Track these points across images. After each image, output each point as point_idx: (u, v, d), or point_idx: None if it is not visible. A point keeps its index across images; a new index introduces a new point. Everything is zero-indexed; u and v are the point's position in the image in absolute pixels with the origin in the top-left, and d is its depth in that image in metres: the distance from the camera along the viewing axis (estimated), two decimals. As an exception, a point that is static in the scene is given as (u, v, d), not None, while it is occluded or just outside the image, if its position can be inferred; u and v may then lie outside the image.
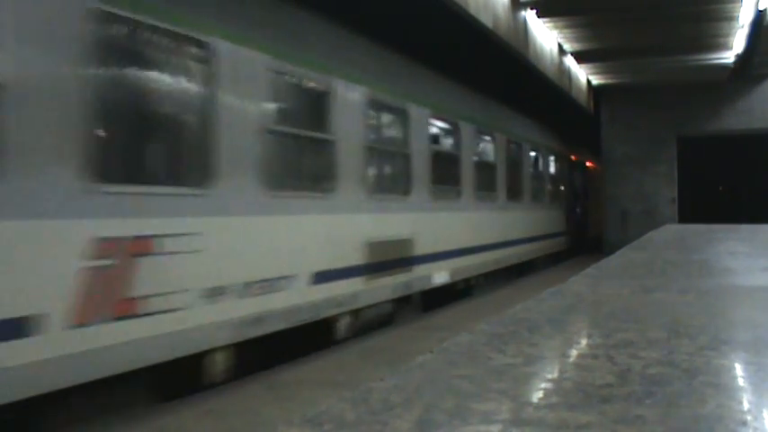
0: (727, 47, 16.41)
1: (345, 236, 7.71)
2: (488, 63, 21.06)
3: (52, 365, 4.29)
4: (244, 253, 6.07)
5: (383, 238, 8.49)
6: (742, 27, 14.68)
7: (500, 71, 20.86)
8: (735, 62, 17.74)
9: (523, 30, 13.61)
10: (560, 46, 16.63)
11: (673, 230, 12.35)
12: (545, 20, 14.68)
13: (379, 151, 8.67)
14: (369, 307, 8.26)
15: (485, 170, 12.30)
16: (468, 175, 11.38)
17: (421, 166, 9.66)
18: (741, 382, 1.94)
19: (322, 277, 7.20)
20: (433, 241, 9.85)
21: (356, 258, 7.87)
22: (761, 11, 13.34)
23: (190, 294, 5.39)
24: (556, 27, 15.32)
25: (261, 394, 5.72)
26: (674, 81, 19.88)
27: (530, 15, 13.94)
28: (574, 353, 2.36)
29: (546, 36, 15.39)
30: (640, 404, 1.63)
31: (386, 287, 8.54)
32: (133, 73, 5.28)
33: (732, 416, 1.55)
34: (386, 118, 9.06)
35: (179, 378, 5.78)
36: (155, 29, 5.25)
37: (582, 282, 4.28)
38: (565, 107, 21.19)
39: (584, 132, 24.63)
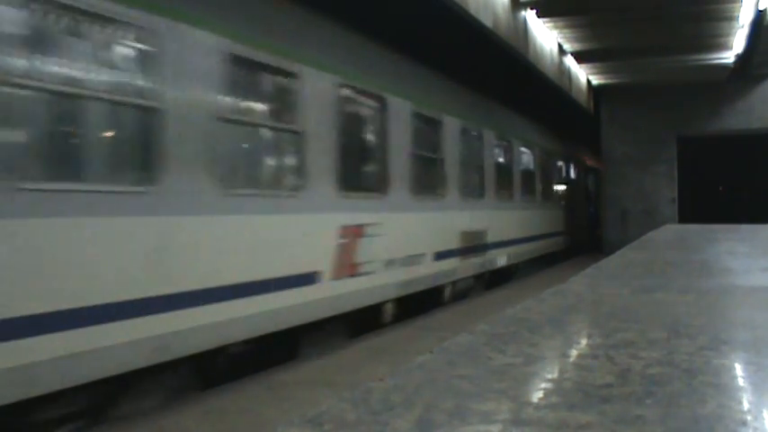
0: (727, 47, 16.41)
1: (450, 227, 10.77)
2: (488, 63, 21.06)
3: (326, 301, 7.18)
4: (402, 237, 8.97)
5: (470, 229, 11.55)
6: (742, 27, 14.67)
7: (500, 71, 20.86)
8: (735, 62, 17.74)
9: (523, 30, 13.61)
10: (560, 46, 16.63)
11: (673, 230, 12.35)
12: (545, 20, 14.68)
13: (465, 165, 11.36)
14: (460, 279, 11.26)
15: (528, 178, 15.59)
16: (517, 182, 14.55)
17: (490, 176, 12.78)
18: (741, 382, 1.94)
19: (438, 256, 10.17)
20: (497, 233, 12.93)
21: (455, 243, 10.86)
22: (761, 11, 13.33)
23: (378, 263, 8.28)
24: (556, 27, 15.31)
25: (261, 394, 5.72)
26: (674, 81, 19.87)
27: (530, 15, 13.93)
28: (574, 353, 2.36)
29: (546, 36, 15.39)
30: (640, 404, 1.63)
31: (472, 265, 11.59)
32: (347, 124, 7.94)
33: (732, 416, 1.55)
34: (471, 141, 11.92)
35: (365, 321, 8.57)
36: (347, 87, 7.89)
37: (582, 282, 4.28)
38: (565, 107, 21.20)
39: (584, 132, 24.72)
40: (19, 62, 4.31)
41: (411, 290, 9.21)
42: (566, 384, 1.87)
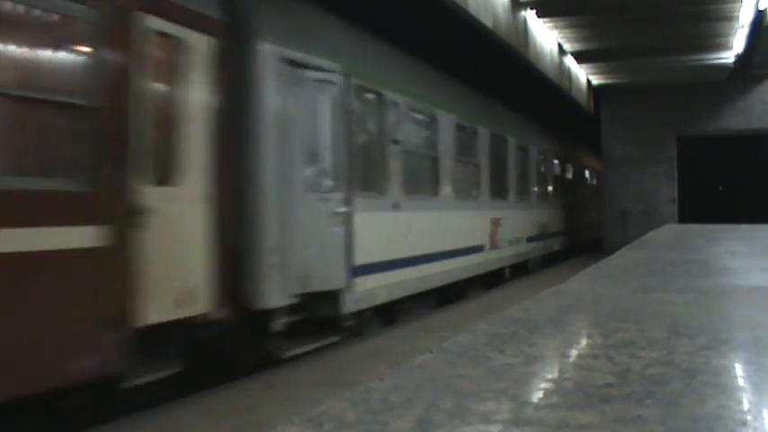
0: (727, 47, 16.41)
1: (532, 220, 16.01)
2: (488, 63, 21.06)
3: (489, 262, 12.61)
4: (513, 226, 14.05)
5: (540, 222, 16.78)
6: (742, 27, 14.67)
7: (500, 71, 20.85)
8: (735, 62, 17.73)
9: (523, 30, 13.61)
10: (560, 46, 16.63)
11: (673, 230, 12.36)
12: (545, 20, 14.68)
13: (523, 175, 15.40)
14: (533, 258, 16.24)
15: (562, 182, 19.84)
16: (553, 186, 18.62)
17: (540, 181, 17.20)
18: (741, 382, 1.94)
19: (528, 240, 15.52)
20: (552, 226, 18.00)
21: (534, 232, 16.04)
22: (761, 11, 13.33)
23: (505, 242, 13.41)
24: (556, 27, 15.31)
25: (261, 394, 5.72)
26: (674, 81, 19.87)
27: (530, 15, 13.93)
28: (574, 353, 2.36)
29: (546, 36, 15.39)
30: (640, 404, 1.63)
31: (539, 248, 16.67)
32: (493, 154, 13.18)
33: (732, 416, 1.55)
34: (526, 158, 15.85)
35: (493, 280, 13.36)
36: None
37: (582, 282, 4.29)
38: (565, 107, 21.19)
39: (584, 133, 24.76)
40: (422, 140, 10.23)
41: (517, 261, 14.67)
42: (566, 384, 1.87)
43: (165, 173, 5.34)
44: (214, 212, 5.70)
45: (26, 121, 4.57)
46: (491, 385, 1.82)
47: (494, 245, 12.76)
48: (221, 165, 5.82)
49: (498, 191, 13.30)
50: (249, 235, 6.09)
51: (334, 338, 7.05)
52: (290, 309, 6.42)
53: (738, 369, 2.08)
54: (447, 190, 10.63)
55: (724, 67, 18.25)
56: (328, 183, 7.03)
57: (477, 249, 11.89)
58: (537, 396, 1.77)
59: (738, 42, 15.96)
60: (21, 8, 4.41)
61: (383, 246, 8.34)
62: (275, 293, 6.19)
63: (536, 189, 16.42)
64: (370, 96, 8.38)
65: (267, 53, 6.34)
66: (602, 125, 21.46)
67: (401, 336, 8.27)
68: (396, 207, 8.76)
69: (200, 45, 5.67)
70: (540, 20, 14.55)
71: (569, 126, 23.06)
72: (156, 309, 5.01)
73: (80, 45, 4.81)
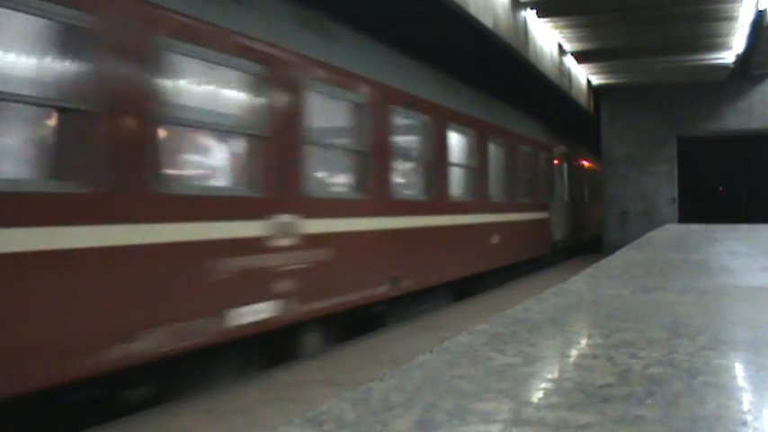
0: (727, 47, 16.41)
1: (569, 218, 19.50)
2: (488, 63, 21.06)
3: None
4: (557, 224, 17.84)
5: (579, 218, 21.21)
6: (742, 27, 14.67)
7: (500, 71, 20.85)
8: (735, 62, 17.73)
9: (523, 30, 13.61)
10: (560, 46, 16.63)
11: (673, 230, 12.36)
12: (545, 20, 14.68)
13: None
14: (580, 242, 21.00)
15: (583, 184, 22.84)
16: (574, 188, 21.18)
17: (572, 185, 20.71)
18: (741, 382, 1.94)
19: (563, 233, 18.79)
20: (583, 222, 22.00)
21: (568, 225, 19.36)
22: (761, 11, 13.34)
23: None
24: (556, 27, 15.31)
25: (261, 394, 5.73)
26: (674, 81, 19.87)
27: (530, 15, 13.93)
28: (574, 353, 2.36)
29: (546, 36, 15.39)
30: (640, 404, 1.63)
31: (574, 238, 20.27)
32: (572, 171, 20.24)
33: (732, 416, 1.55)
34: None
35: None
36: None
37: (582, 282, 4.29)
38: (565, 107, 21.19)
39: (585, 133, 24.83)
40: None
41: (567, 245, 19.19)
42: (566, 384, 1.87)
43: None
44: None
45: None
46: (491, 385, 1.82)
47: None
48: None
49: (573, 193, 20.29)
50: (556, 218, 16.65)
51: None
52: None
53: (739, 369, 2.08)
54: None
55: (724, 67, 18.25)
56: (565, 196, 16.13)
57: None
58: (537, 396, 1.77)
59: (738, 42, 15.95)
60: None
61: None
62: None
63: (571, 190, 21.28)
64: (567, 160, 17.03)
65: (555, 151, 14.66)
66: (602, 125, 21.46)
67: (401, 336, 8.27)
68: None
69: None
70: (540, 20, 14.54)
71: (569, 125, 23.15)
72: None
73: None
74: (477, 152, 11.60)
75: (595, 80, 20.65)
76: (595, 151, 23.49)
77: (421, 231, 9.37)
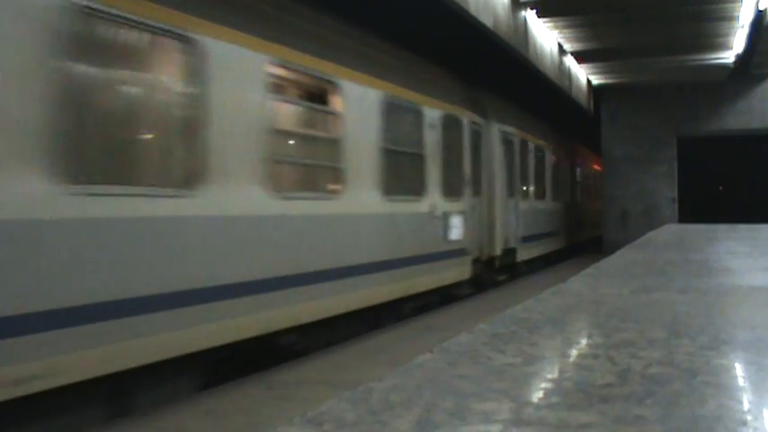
0: (727, 47, 16.41)
1: (575, 213, 21.75)
2: (488, 63, 21.07)
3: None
4: (577, 214, 22.67)
5: (578, 214, 22.70)
6: (742, 27, 14.67)
7: (500, 71, 20.86)
8: (735, 62, 17.73)
9: (523, 30, 13.61)
10: (560, 46, 16.63)
11: (673, 230, 12.36)
12: (545, 20, 14.68)
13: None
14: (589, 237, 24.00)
15: (587, 185, 24.94)
16: (579, 188, 23.28)
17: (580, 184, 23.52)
18: (741, 382, 1.94)
19: (573, 228, 21.60)
20: (587, 219, 23.96)
21: (573, 221, 21.56)
22: (761, 11, 13.33)
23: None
24: (556, 27, 15.31)
25: (261, 394, 5.72)
26: (674, 81, 19.87)
27: (530, 15, 13.93)
28: (574, 353, 2.36)
29: (546, 36, 15.39)
30: (640, 404, 1.63)
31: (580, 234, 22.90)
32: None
33: (732, 416, 1.55)
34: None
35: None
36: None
37: (582, 282, 4.28)
38: (565, 107, 21.20)
39: (584, 133, 24.93)
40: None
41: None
42: (566, 384, 1.87)
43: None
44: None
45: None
46: (491, 385, 1.82)
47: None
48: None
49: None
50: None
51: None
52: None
53: (739, 369, 2.07)
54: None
55: (724, 67, 18.25)
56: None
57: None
58: (537, 396, 1.77)
59: (738, 42, 15.95)
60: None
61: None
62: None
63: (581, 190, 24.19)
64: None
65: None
66: (602, 125, 21.46)
67: (401, 336, 8.27)
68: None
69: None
70: (540, 20, 14.54)
71: (569, 125, 23.24)
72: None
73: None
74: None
75: (595, 80, 20.66)
76: (595, 151, 23.51)
77: None
